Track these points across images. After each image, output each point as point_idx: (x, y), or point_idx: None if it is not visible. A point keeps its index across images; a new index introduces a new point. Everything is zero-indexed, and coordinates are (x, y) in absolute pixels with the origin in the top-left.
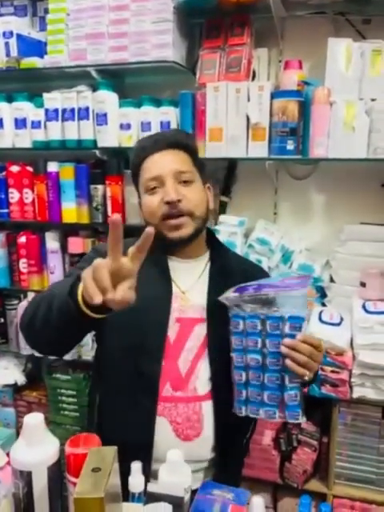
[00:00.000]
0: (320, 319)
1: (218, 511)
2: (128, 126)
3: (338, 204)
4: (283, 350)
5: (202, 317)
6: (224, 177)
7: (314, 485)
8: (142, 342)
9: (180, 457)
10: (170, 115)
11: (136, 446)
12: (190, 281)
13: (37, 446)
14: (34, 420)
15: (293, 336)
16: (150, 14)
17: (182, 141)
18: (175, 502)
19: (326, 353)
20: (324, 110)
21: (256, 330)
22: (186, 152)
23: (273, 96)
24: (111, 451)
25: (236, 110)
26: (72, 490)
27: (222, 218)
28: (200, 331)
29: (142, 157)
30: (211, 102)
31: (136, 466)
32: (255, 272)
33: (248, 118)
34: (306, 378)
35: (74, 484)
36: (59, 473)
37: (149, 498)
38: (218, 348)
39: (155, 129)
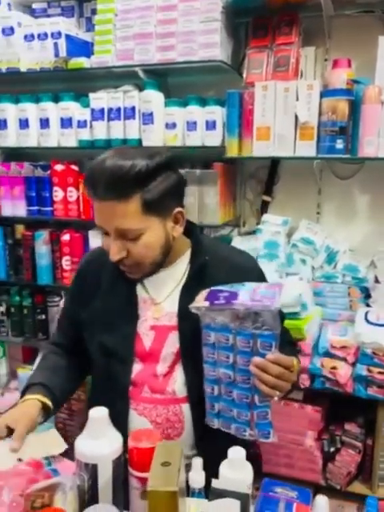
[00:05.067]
0: (366, 319)
1: (282, 510)
2: (173, 125)
3: (383, 204)
4: (252, 369)
5: (175, 324)
6: (267, 176)
7: (357, 487)
8: (113, 350)
9: (242, 454)
10: (215, 114)
11: None
12: (166, 289)
13: (102, 439)
14: (99, 413)
15: (263, 355)
16: (198, 14)
17: (122, 190)
18: (241, 498)
19: (372, 354)
20: (375, 109)
21: (228, 344)
22: (132, 200)
23: (322, 95)
24: (177, 446)
25: (284, 109)
26: (135, 484)
27: (265, 217)
28: (174, 338)
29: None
30: (259, 100)
31: (197, 462)
32: (242, 270)
33: (296, 117)
34: (276, 398)
35: (138, 478)
36: (123, 466)
37: (213, 494)
38: (191, 354)
39: (201, 128)
